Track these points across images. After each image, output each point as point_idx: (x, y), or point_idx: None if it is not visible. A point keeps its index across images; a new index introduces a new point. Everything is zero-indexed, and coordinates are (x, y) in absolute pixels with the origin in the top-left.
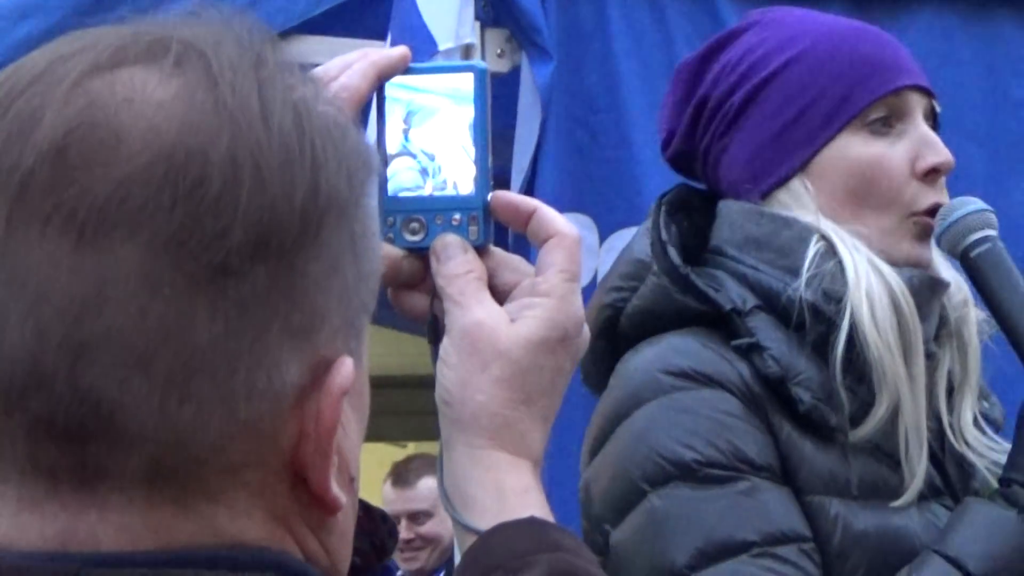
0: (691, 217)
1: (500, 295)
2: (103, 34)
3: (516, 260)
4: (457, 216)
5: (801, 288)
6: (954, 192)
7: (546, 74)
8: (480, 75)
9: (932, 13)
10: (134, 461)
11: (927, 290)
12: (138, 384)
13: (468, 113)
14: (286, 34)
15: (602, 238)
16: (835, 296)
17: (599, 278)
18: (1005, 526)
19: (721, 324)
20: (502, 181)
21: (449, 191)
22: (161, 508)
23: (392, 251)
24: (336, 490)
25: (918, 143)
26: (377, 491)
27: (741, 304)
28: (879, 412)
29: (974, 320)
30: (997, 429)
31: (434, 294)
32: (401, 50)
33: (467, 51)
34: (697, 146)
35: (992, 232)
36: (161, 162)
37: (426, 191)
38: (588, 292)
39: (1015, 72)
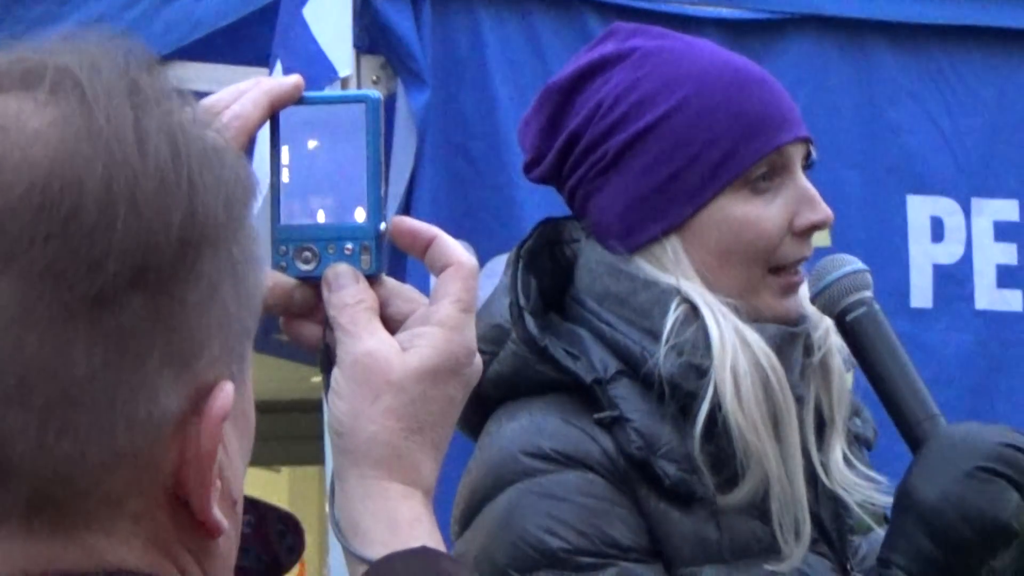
0: (555, 252)
1: (392, 325)
2: None
3: (408, 290)
4: (349, 245)
5: (660, 360)
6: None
7: (421, 101)
8: (373, 104)
9: (808, 39)
10: (13, 493)
11: (790, 344)
12: (14, 416)
13: (361, 142)
14: (165, 60)
15: (481, 263)
16: (699, 368)
17: (479, 304)
18: None
19: (582, 391)
20: None
21: (341, 220)
22: (41, 538)
23: (284, 280)
24: (217, 514)
25: (797, 200)
26: None
27: (602, 371)
28: (745, 487)
29: (836, 349)
30: (869, 448)
31: (326, 323)
32: (294, 79)
33: (343, 80)
34: (565, 179)
35: (868, 294)
36: (35, 194)
37: (319, 220)
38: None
39: (890, 97)
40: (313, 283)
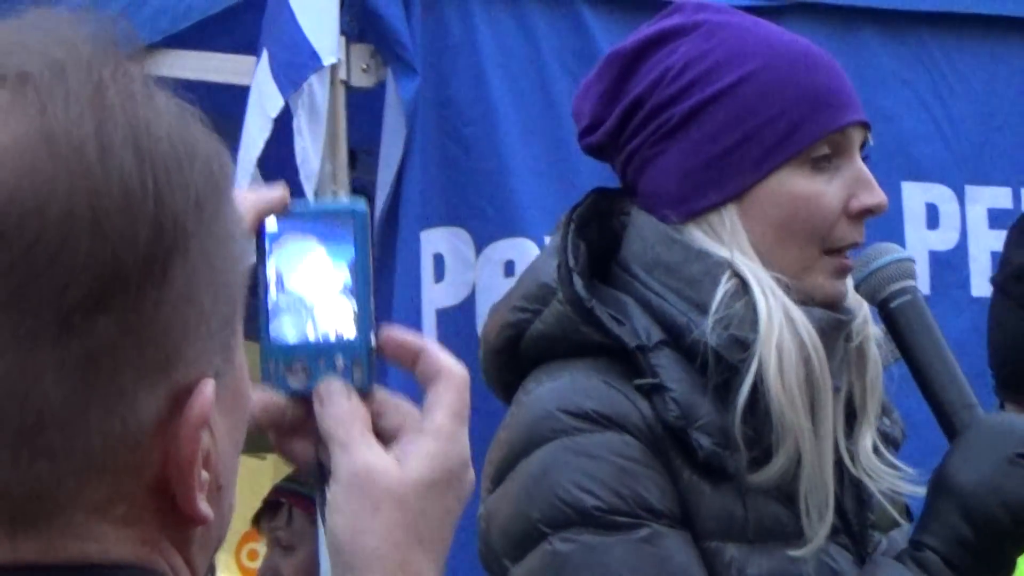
0: (604, 223)
1: (385, 437)
2: None
3: (401, 402)
4: (340, 361)
5: (707, 332)
6: None
7: (411, 89)
8: (360, 217)
9: (799, 26)
10: None
11: (835, 331)
12: None
13: (348, 254)
14: (153, 48)
15: (478, 250)
16: (744, 342)
17: (477, 291)
18: None
19: (624, 356)
20: (366, 196)
21: (331, 335)
22: (26, 550)
23: (276, 398)
24: (203, 506)
25: (854, 182)
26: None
27: (646, 338)
28: (776, 465)
29: (874, 339)
30: (896, 447)
31: (318, 439)
32: (279, 192)
33: (332, 68)
34: (623, 145)
35: (911, 282)
36: None
37: (308, 336)
38: (467, 306)
39: (882, 84)
40: (304, 399)
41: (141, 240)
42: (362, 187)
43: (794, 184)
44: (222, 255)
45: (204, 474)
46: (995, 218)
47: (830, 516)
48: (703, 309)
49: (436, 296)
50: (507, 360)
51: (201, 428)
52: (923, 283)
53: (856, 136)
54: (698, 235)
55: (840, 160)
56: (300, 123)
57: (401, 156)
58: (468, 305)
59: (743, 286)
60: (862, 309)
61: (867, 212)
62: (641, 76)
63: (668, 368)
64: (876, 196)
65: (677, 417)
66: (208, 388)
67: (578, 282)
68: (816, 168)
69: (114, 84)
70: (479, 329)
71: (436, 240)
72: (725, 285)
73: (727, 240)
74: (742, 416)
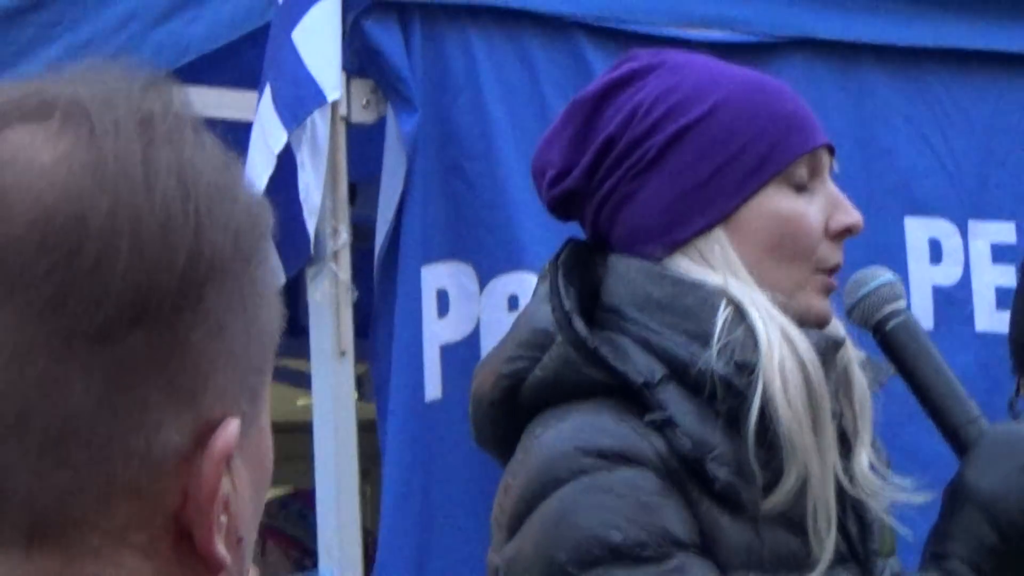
0: (583, 272)
1: None
2: None
3: None
4: None
5: (712, 361)
6: None
7: (411, 124)
8: None
9: (800, 62)
10: (11, 523)
11: (831, 352)
12: (12, 448)
13: None
14: None
15: (482, 285)
16: (747, 367)
17: (481, 325)
18: None
19: (628, 394)
20: (367, 231)
21: None
22: (42, 568)
23: None
24: (221, 550)
25: (830, 203)
26: None
27: (650, 376)
28: (787, 485)
29: (856, 361)
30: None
31: None
32: None
33: (333, 104)
34: (597, 187)
35: (903, 303)
36: (39, 228)
37: None
38: (472, 341)
39: (884, 120)
40: None
41: (179, 263)
42: (363, 222)
43: (779, 203)
44: (257, 302)
45: (223, 518)
46: (998, 253)
47: (834, 532)
48: (703, 340)
49: (440, 331)
50: (504, 412)
51: (223, 465)
52: (927, 318)
53: (826, 159)
54: (687, 265)
55: (814, 183)
56: (303, 158)
57: (401, 191)
58: (473, 340)
59: (740, 313)
60: (841, 333)
61: (846, 232)
62: (609, 116)
63: (675, 402)
64: (853, 215)
65: (691, 449)
66: (233, 426)
67: (578, 323)
68: (796, 189)
69: (162, 119)
70: None
71: (439, 275)
72: (723, 312)
73: (718, 265)
74: (755, 438)
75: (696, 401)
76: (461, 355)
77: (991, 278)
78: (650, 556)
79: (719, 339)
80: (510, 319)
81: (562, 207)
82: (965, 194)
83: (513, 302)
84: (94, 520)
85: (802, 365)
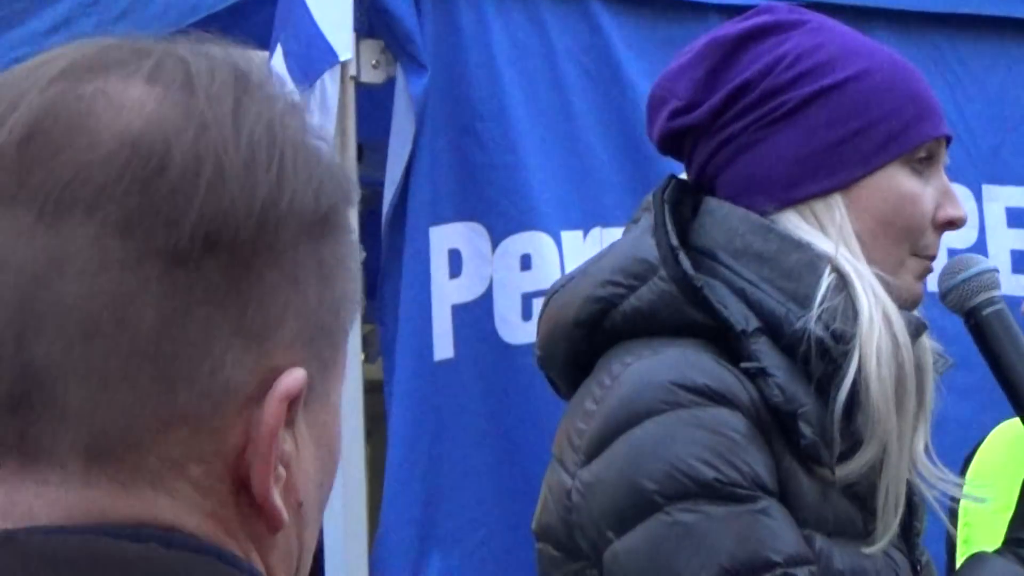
0: (676, 211)
1: None
2: (89, 41)
3: None
4: None
5: (811, 323)
6: None
7: (420, 85)
8: None
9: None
10: (72, 437)
11: (918, 335)
12: (80, 359)
13: None
14: None
15: (494, 244)
16: (845, 337)
17: (494, 285)
18: None
19: (720, 340)
20: (373, 192)
21: None
22: (99, 487)
23: None
24: (278, 502)
25: (942, 193)
26: None
27: (745, 324)
28: (864, 458)
29: (929, 348)
30: None
31: None
32: None
33: (343, 64)
34: (721, 128)
35: (997, 293)
36: (125, 149)
37: None
38: (486, 300)
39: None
40: None
41: (258, 201)
42: (369, 184)
43: (900, 182)
44: (334, 269)
45: (282, 470)
46: (1013, 217)
47: (899, 515)
48: (801, 301)
49: (451, 292)
50: (585, 335)
51: (283, 410)
52: None
53: (943, 150)
54: (798, 223)
55: (931, 168)
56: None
57: (410, 152)
58: (486, 300)
59: (842, 281)
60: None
61: (950, 224)
62: (747, 62)
63: (768, 355)
64: (961, 210)
65: (783, 402)
66: (298, 374)
67: (685, 261)
68: (915, 171)
69: (256, 76)
70: (496, 324)
71: (451, 235)
72: (828, 278)
73: (832, 231)
74: (844, 408)
75: (785, 358)
76: (473, 314)
77: (1006, 242)
78: (739, 496)
79: (821, 303)
80: (522, 278)
81: (672, 141)
82: (979, 159)
83: (526, 261)
84: (152, 445)
85: (897, 346)
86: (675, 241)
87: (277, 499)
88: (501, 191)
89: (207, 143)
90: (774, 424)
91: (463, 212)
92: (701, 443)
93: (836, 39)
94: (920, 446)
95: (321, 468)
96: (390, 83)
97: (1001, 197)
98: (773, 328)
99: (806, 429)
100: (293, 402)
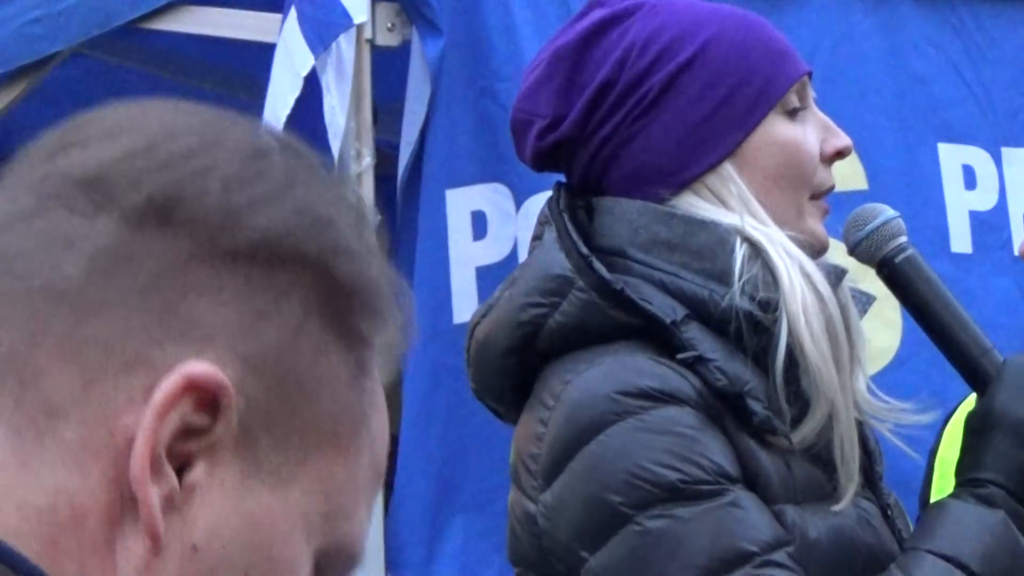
0: (575, 217)
1: None
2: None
3: None
4: None
5: (735, 298)
6: (872, 163)
7: (436, 48)
8: None
9: None
10: None
11: (838, 282)
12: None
13: None
14: (175, 5)
15: (518, 204)
16: (771, 305)
17: (519, 244)
18: (995, 527)
19: (653, 335)
20: (387, 155)
21: None
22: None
23: None
24: (154, 499)
25: (822, 128)
26: None
27: (673, 315)
28: (815, 419)
29: (849, 290)
30: None
31: None
32: None
33: (359, 27)
34: (592, 132)
35: (905, 239)
36: (136, 137)
37: None
38: (512, 261)
39: (915, 49)
40: None
41: (235, 203)
42: (385, 146)
43: (780, 131)
44: (313, 336)
45: (174, 481)
46: None
47: (856, 466)
48: (721, 278)
49: (475, 254)
50: (517, 360)
51: (180, 389)
52: (965, 243)
53: (809, 86)
54: (696, 202)
55: (804, 107)
56: (328, 81)
57: (425, 115)
58: (511, 260)
59: (755, 249)
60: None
61: (838, 155)
62: (598, 61)
63: (702, 340)
64: (844, 139)
65: (726, 385)
66: (207, 367)
67: (599, 266)
68: (791, 117)
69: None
70: None
71: (474, 198)
72: (740, 250)
73: (732, 202)
74: (784, 374)
75: (719, 339)
76: (498, 275)
77: None
78: (706, 492)
79: (740, 276)
80: None
81: (547, 158)
82: (996, 123)
83: None
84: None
85: (822, 301)
86: (584, 249)
87: (154, 498)
88: None
89: (213, 155)
90: (723, 408)
91: (486, 174)
92: (657, 447)
93: (675, 15)
94: (861, 385)
95: (240, 548)
96: (406, 46)
97: (1020, 160)
98: (700, 312)
99: (755, 405)
100: (214, 409)
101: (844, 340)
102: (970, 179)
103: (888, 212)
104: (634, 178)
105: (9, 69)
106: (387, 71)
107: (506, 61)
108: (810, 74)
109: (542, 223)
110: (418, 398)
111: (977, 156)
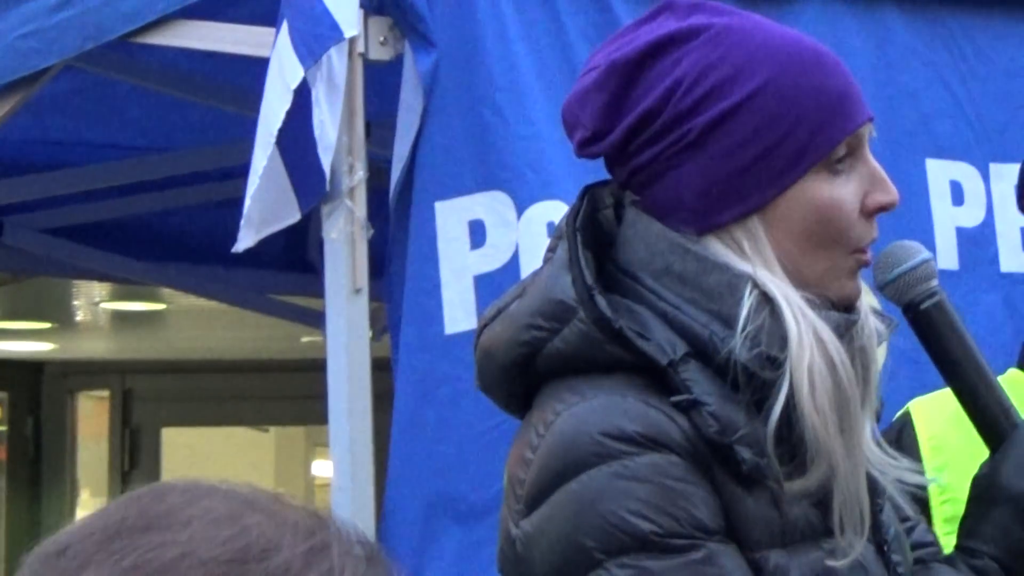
0: (595, 220)
1: None
2: None
3: None
4: None
5: (736, 349)
6: None
7: (428, 62)
8: None
9: (821, 4)
10: None
11: (848, 332)
12: None
13: None
14: (169, 19)
15: (519, 211)
16: (775, 361)
17: (520, 252)
18: None
19: (651, 372)
20: (378, 170)
21: None
22: None
23: None
24: None
25: (869, 180)
26: (237, 476)
27: (672, 352)
28: (810, 482)
29: (875, 332)
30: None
31: None
32: None
33: (351, 41)
34: (630, 157)
35: (936, 283)
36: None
37: None
38: (512, 268)
39: (904, 62)
40: None
41: None
42: (378, 160)
43: (816, 191)
44: None
45: None
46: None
47: (867, 525)
48: (724, 320)
49: (473, 263)
50: (518, 375)
51: None
52: (951, 259)
53: (866, 132)
54: (717, 247)
55: (854, 158)
56: (319, 95)
57: (417, 130)
58: (511, 267)
59: (765, 300)
60: (863, 304)
61: (881, 210)
62: (648, 86)
63: (698, 382)
64: (890, 194)
65: (717, 432)
66: None
67: (602, 302)
68: (833, 172)
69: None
70: None
71: (472, 207)
72: (749, 299)
73: (749, 253)
74: (776, 432)
75: (718, 381)
76: (498, 282)
77: (1015, 219)
78: (679, 546)
79: (744, 326)
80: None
81: (593, 159)
82: (985, 138)
83: (551, 228)
84: None
85: (832, 367)
86: (590, 280)
87: None
88: (524, 160)
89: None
90: (711, 453)
91: (485, 182)
92: (635, 495)
93: (738, 47)
94: (867, 433)
95: None
96: (398, 60)
97: (1009, 176)
98: (701, 351)
99: (745, 453)
100: None
101: (854, 403)
102: (957, 195)
103: (920, 254)
104: (661, 211)
105: (1, 83)
106: (380, 85)
107: (502, 72)
108: (871, 119)
109: (558, 237)
110: (408, 408)
111: (965, 172)
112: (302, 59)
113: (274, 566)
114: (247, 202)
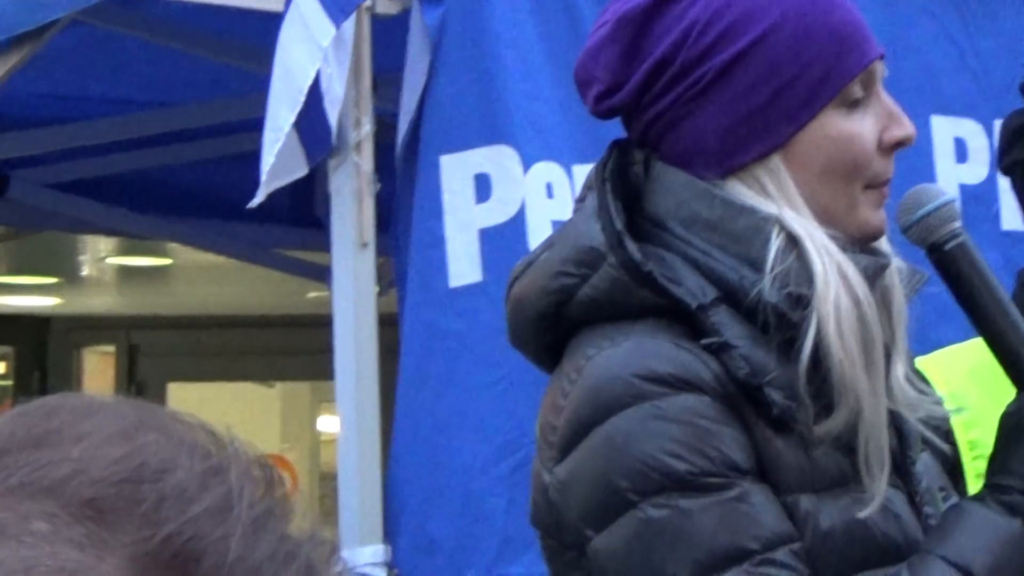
0: (625, 178)
1: None
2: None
3: None
4: None
5: (765, 290)
6: None
7: (435, 16)
8: None
9: None
10: None
11: (877, 276)
12: None
13: None
14: None
15: (526, 167)
16: (801, 301)
17: (527, 207)
18: (1010, 538)
19: (682, 316)
20: (390, 124)
21: None
22: None
23: None
24: None
25: (885, 116)
26: (243, 431)
27: (702, 296)
28: (838, 420)
29: (896, 270)
30: None
31: None
32: None
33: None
34: (647, 106)
35: (959, 224)
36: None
37: None
38: (518, 221)
39: (911, 21)
40: None
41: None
42: (385, 115)
43: (834, 126)
44: None
45: None
46: None
47: (888, 468)
48: (753, 264)
49: (478, 217)
50: (550, 324)
51: None
52: None
53: (878, 69)
54: (741, 190)
55: (869, 95)
56: (327, 49)
57: (424, 83)
58: (517, 221)
59: (792, 241)
60: (887, 246)
61: (899, 145)
62: (660, 34)
63: (729, 325)
64: (906, 128)
65: (748, 375)
66: None
67: (631, 245)
68: (850, 108)
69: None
70: (530, 244)
71: (478, 161)
72: (776, 240)
73: (774, 193)
74: (808, 372)
75: (746, 324)
76: (503, 235)
77: None
78: (713, 484)
79: (772, 267)
80: (548, 207)
81: (606, 117)
82: (991, 95)
83: (549, 190)
84: None
85: (857, 303)
86: (620, 225)
87: None
88: (528, 118)
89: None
90: (743, 396)
91: (492, 136)
92: (668, 435)
93: None
94: (900, 373)
95: None
96: (405, 15)
97: None
98: (731, 295)
99: (776, 396)
100: None
101: (879, 340)
102: (961, 152)
103: (941, 196)
104: (682, 157)
105: (8, 36)
106: (387, 40)
107: (509, 26)
108: (883, 56)
109: (587, 187)
110: (413, 361)
111: (970, 129)
112: (333, 17)
113: (169, 487)
114: (268, 158)
